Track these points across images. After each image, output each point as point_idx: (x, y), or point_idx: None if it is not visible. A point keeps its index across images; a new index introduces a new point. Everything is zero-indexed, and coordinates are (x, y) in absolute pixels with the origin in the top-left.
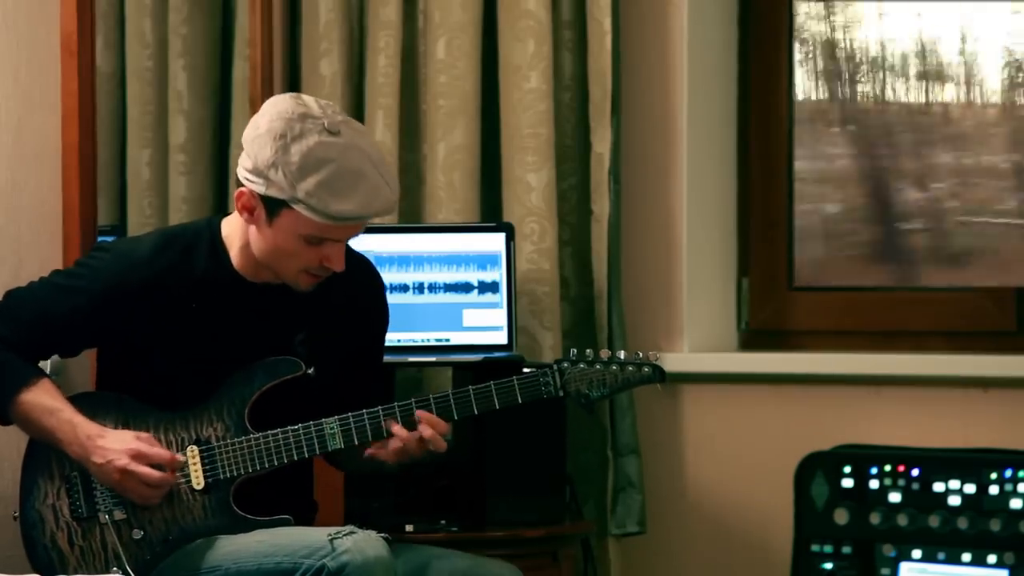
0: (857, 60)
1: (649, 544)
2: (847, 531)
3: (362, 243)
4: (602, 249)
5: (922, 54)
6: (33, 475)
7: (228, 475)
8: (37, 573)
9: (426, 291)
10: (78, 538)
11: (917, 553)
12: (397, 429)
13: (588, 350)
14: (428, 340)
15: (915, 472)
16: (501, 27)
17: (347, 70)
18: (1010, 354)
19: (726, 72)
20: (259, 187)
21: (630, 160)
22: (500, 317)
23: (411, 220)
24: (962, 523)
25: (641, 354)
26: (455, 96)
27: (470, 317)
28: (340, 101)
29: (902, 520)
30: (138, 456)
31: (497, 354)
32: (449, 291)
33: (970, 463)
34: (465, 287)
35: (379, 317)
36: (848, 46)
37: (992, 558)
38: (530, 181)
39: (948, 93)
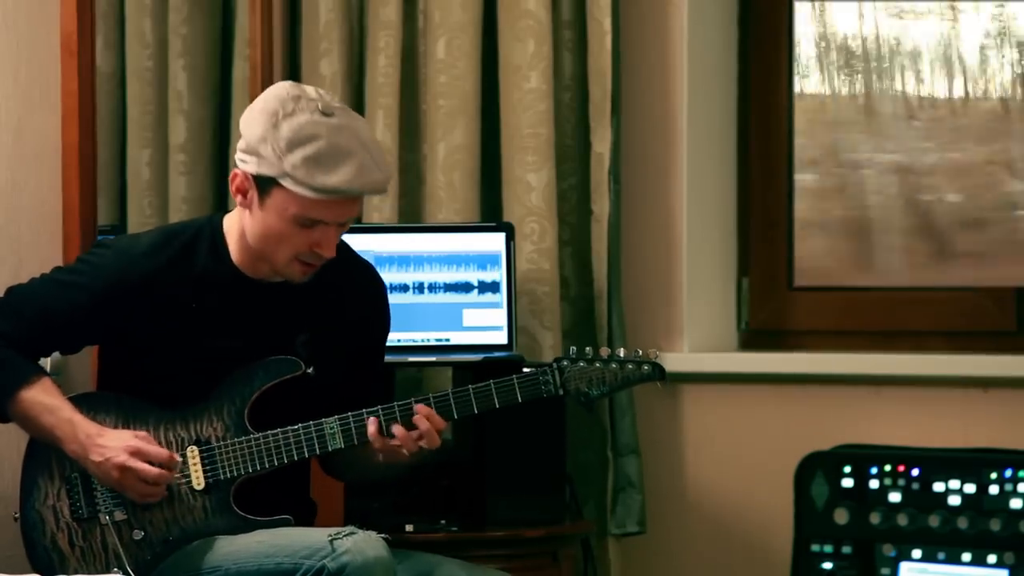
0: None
1: (649, 544)
2: (847, 531)
3: (362, 243)
4: (602, 249)
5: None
6: (33, 476)
7: (228, 475)
8: (37, 574)
9: (426, 291)
10: (78, 539)
11: (917, 553)
12: (396, 428)
13: (588, 348)
14: (428, 340)
15: (915, 472)
16: (501, 27)
17: (347, 70)
18: (1010, 354)
19: (726, 72)
20: (251, 166)
21: (630, 160)
22: (500, 317)
23: (411, 220)
24: (962, 523)
25: (641, 352)
26: (455, 96)
27: (470, 317)
28: (340, 101)
29: (902, 520)
30: (136, 453)
31: (497, 354)
32: (449, 291)
33: (970, 463)
34: (465, 287)
35: (381, 322)
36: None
37: (992, 558)
38: (530, 181)
39: None
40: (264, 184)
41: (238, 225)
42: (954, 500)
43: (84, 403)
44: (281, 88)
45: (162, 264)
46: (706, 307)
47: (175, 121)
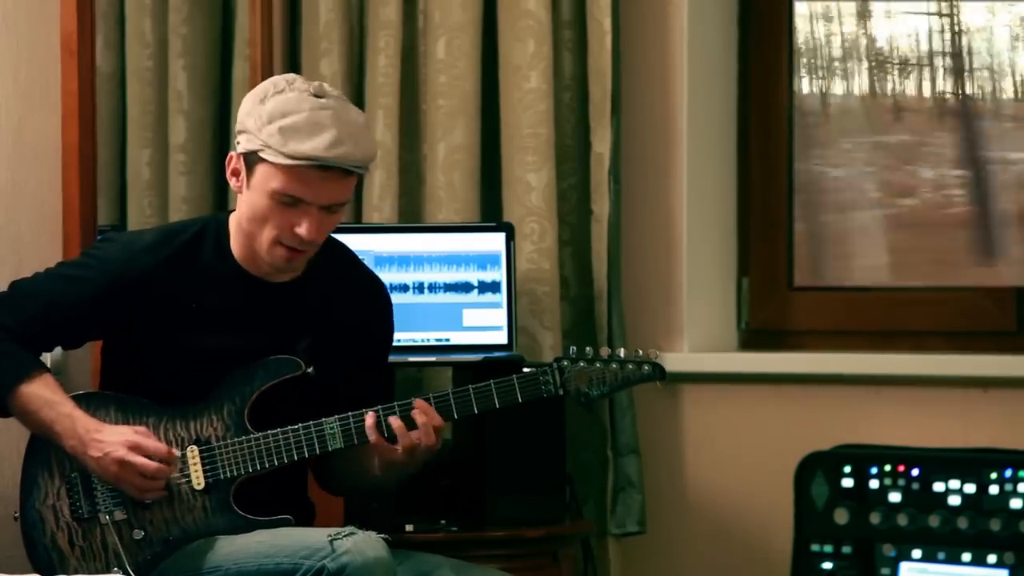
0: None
1: (649, 544)
2: (847, 531)
3: (362, 243)
4: (602, 249)
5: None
6: (33, 475)
7: (228, 475)
8: (37, 573)
9: (426, 291)
10: (78, 538)
11: (917, 553)
12: (393, 420)
13: (588, 348)
14: (428, 340)
15: (915, 472)
16: (501, 27)
17: (347, 70)
18: (1010, 354)
19: (726, 72)
20: (241, 145)
21: (630, 160)
22: (500, 317)
23: (411, 220)
24: (962, 523)
25: (641, 352)
26: (455, 96)
27: (470, 317)
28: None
29: (902, 520)
30: (135, 448)
31: (497, 354)
32: (449, 291)
33: (970, 463)
34: (465, 287)
35: (383, 334)
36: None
37: (992, 558)
38: (530, 181)
39: None
40: (250, 161)
41: (237, 218)
42: (954, 500)
43: (84, 402)
44: (281, 76)
45: (166, 259)
46: (706, 307)
47: (175, 121)
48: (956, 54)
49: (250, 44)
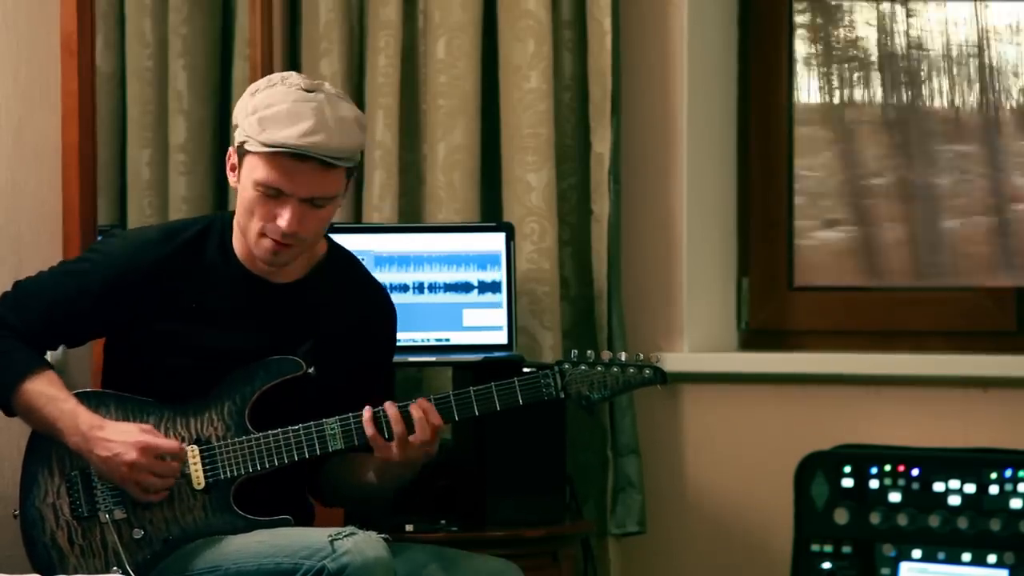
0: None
1: (649, 544)
2: (847, 531)
3: (362, 243)
4: (602, 249)
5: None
6: (33, 474)
7: (228, 475)
8: (37, 572)
9: (426, 291)
10: (78, 537)
11: (917, 553)
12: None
13: (589, 351)
14: (428, 340)
15: (915, 472)
16: (501, 27)
17: (347, 70)
18: (1010, 354)
19: (726, 72)
20: (235, 140)
21: (630, 160)
22: (500, 317)
23: (411, 220)
24: (962, 523)
25: (642, 356)
26: (455, 96)
27: (470, 317)
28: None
29: (902, 520)
30: (146, 449)
31: (497, 354)
32: (449, 291)
33: (970, 463)
34: (465, 287)
35: (385, 340)
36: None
37: (992, 558)
38: (530, 181)
39: None
40: (240, 154)
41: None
42: (954, 500)
43: (84, 400)
44: (280, 72)
45: (168, 255)
46: (706, 307)
47: (175, 121)
48: None
49: (250, 44)
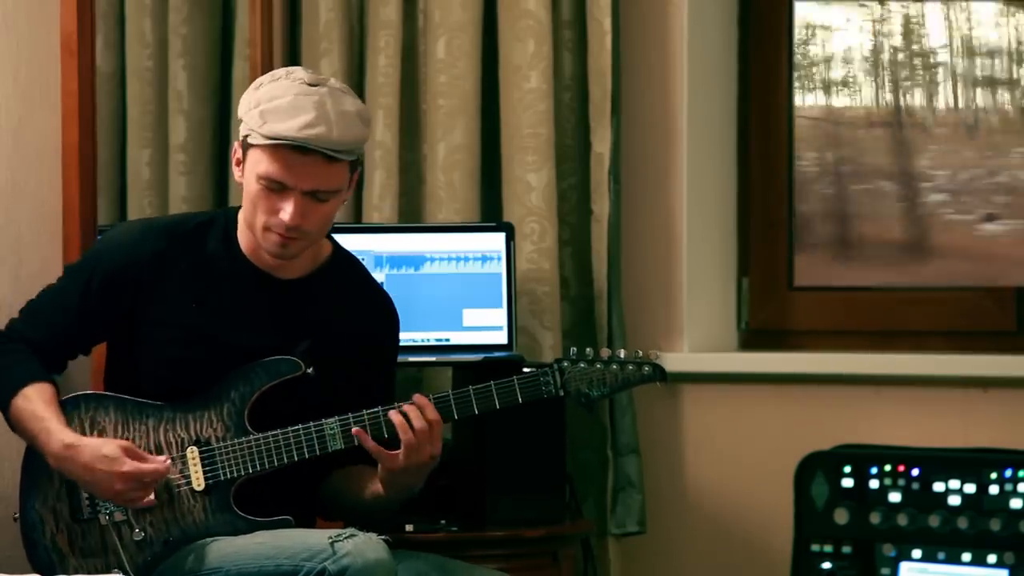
0: None
1: (649, 544)
2: (847, 531)
3: (362, 243)
4: (602, 249)
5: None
6: (33, 476)
7: (228, 476)
8: (37, 574)
9: (426, 291)
10: (78, 539)
11: (917, 553)
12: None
13: (588, 349)
14: (428, 340)
15: (915, 472)
16: (501, 27)
17: (347, 70)
18: (1010, 354)
19: (726, 72)
20: (240, 134)
21: (630, 160)
22: (500, 317)
23: (411, 220)
24: (962, 523)
25: (641, 353)
26: (455, 96)
27: (470, 317)
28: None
29: (902, 520)
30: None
31: (497, 354)
32: (449, 291)
33: (970, 463)
34: (465, 287)
35: (387, 345)
36: None
37: (992, 558)
38: (530, 181)
39: None
40: (244, 147)
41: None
42: (954, 500)
43: (84, 403)
44: (286, 67)
45: (173, 241)
46: (706, 307)
47: (175, 121)
48: None
49: (250, 44)
